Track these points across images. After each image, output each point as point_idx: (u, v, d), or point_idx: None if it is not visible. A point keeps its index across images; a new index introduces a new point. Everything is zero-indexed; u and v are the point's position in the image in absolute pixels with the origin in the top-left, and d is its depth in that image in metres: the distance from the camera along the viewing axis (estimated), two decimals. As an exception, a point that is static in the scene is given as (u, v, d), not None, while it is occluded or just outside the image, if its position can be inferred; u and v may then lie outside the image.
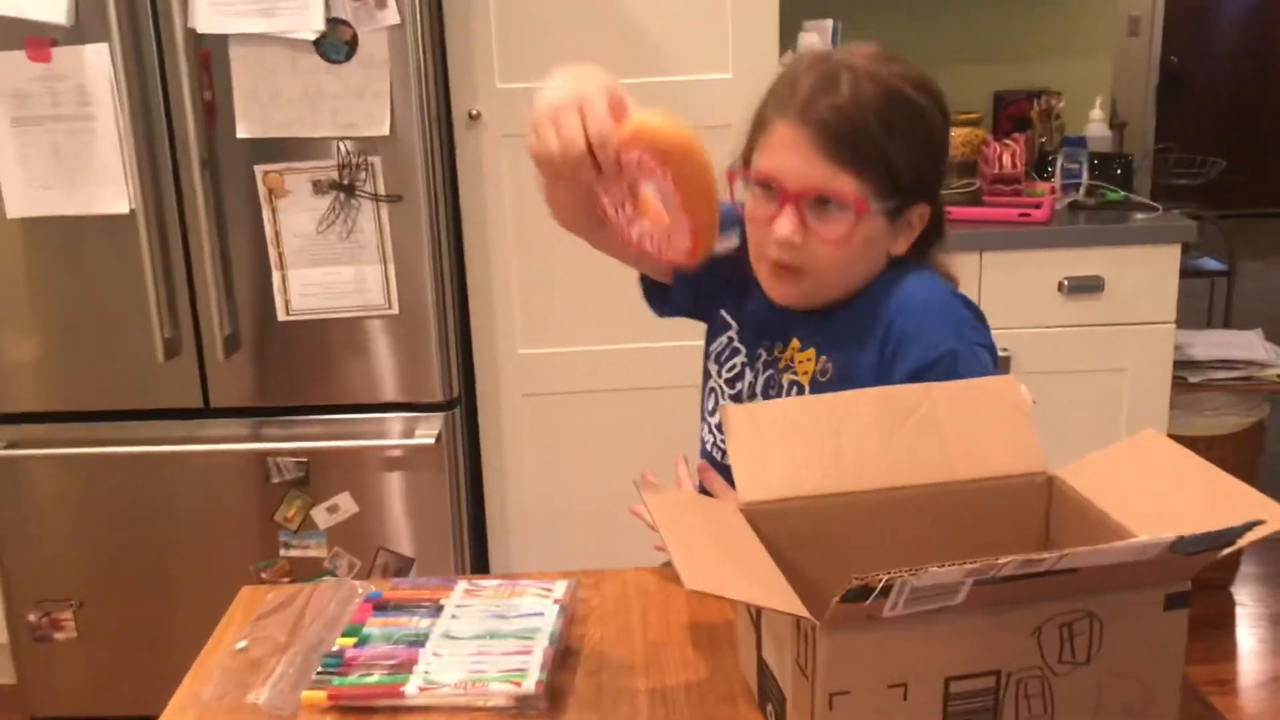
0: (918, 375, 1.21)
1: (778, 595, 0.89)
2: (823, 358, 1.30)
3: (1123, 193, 2.78)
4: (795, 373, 1.32)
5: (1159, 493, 1.00)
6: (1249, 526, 0.82)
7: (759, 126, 1.27)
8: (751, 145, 1.29)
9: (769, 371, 1.36)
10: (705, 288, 1.43)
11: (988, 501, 1.09)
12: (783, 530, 1.06)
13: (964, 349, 1.22)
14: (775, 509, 1.06)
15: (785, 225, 1.21)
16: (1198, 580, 0.91)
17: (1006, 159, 2.78)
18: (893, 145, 1.21)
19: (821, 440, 1.09)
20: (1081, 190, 2.80)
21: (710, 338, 1.46)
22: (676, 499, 1.08)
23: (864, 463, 1.08)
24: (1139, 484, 1.02)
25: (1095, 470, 1.06)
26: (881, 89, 1.22)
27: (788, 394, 1.32)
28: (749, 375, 1.38)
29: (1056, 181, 2.82)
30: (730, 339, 1.43)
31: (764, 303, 1.34)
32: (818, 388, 1.29)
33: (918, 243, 1.30)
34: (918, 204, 1.27)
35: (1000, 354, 1.38)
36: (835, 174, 1.20)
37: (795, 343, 1.34)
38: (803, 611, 0.86)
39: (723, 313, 1.44)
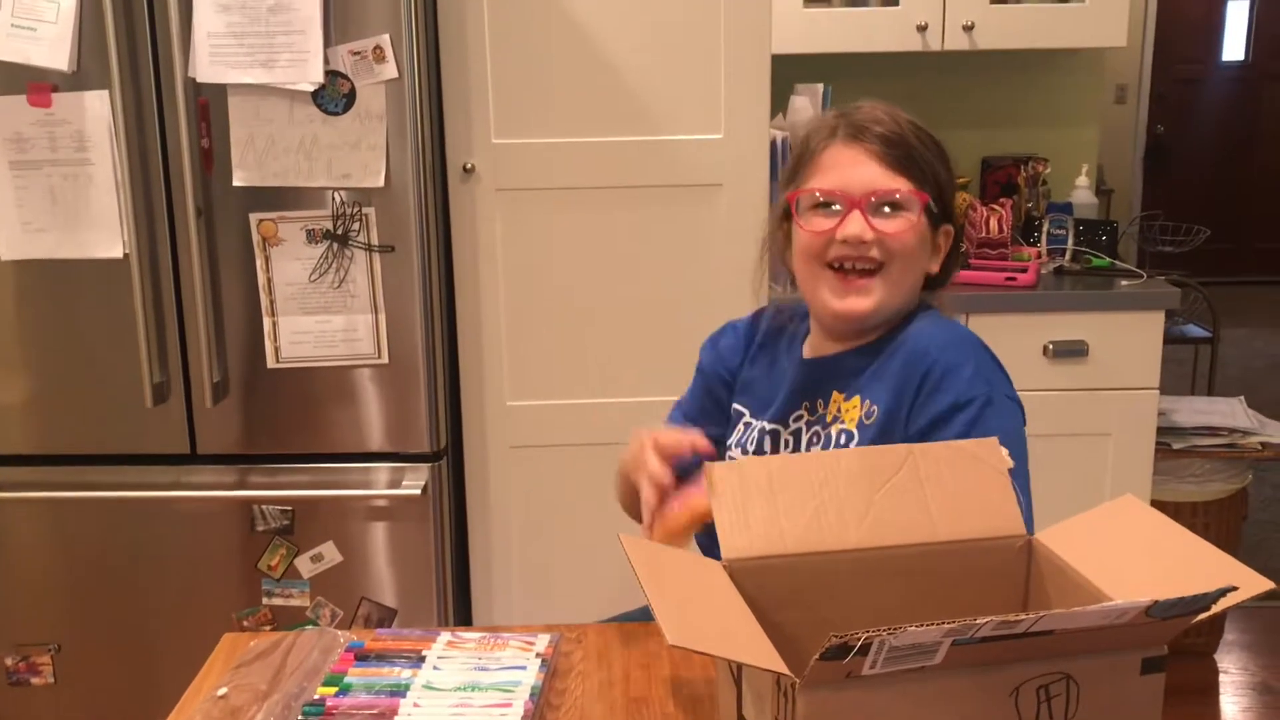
0: (952, 412, 1.28)
1: (758, 652, 0.90)
2: (866, 400, 1.34)
3: (1108, 259, 2.82)
4: (843, 421, 1.36)
5: (1137, 558, 1.01)
6: (1223, 592, 0.83)
7: (803, 161, 1.40)
8: (796, 180, 1.40)
9: (814, 428, 1.39)
10: (711, 403, 1.56)
11: (968, 563, 1.10)
12: (765, 587, 1.06)
13: (997, 397, 1.31)
14: (757, 566, 1.07)
15: (855, 223, 1.33)
16: (1181, 648, 0.92)
17: (993, 223, 2.82)
18: (933, 162, 1.38)
19: (804, 498, 1.10)
20: (1067, 256, 2.83)
21: (728, 434, 1.50)
22: (660, 554, 1.09)
23: (846, 522, 1.09)
24: (1117, 549, 1.03)
25: (1074, 534, 1.08)
26: (911, 123, 1.39)
27: (836, 444, 1.35)
28: (785, 438, 1.41)
29: (1042, 246, 2.86)
30: (748, 424, 1.47)
31: (787, 371, 1.43)
32: (864, 430, 1.33)
33: (942, 268, 1.42)
34: (944, 224, 1.40)
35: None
36: (894, 177, 1.34)
37: (837, 395, 1.38)
38: (783, 668, 0.86)
39: (736, 406, 1.49)
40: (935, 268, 1.42)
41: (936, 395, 1.30)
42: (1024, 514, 1.13)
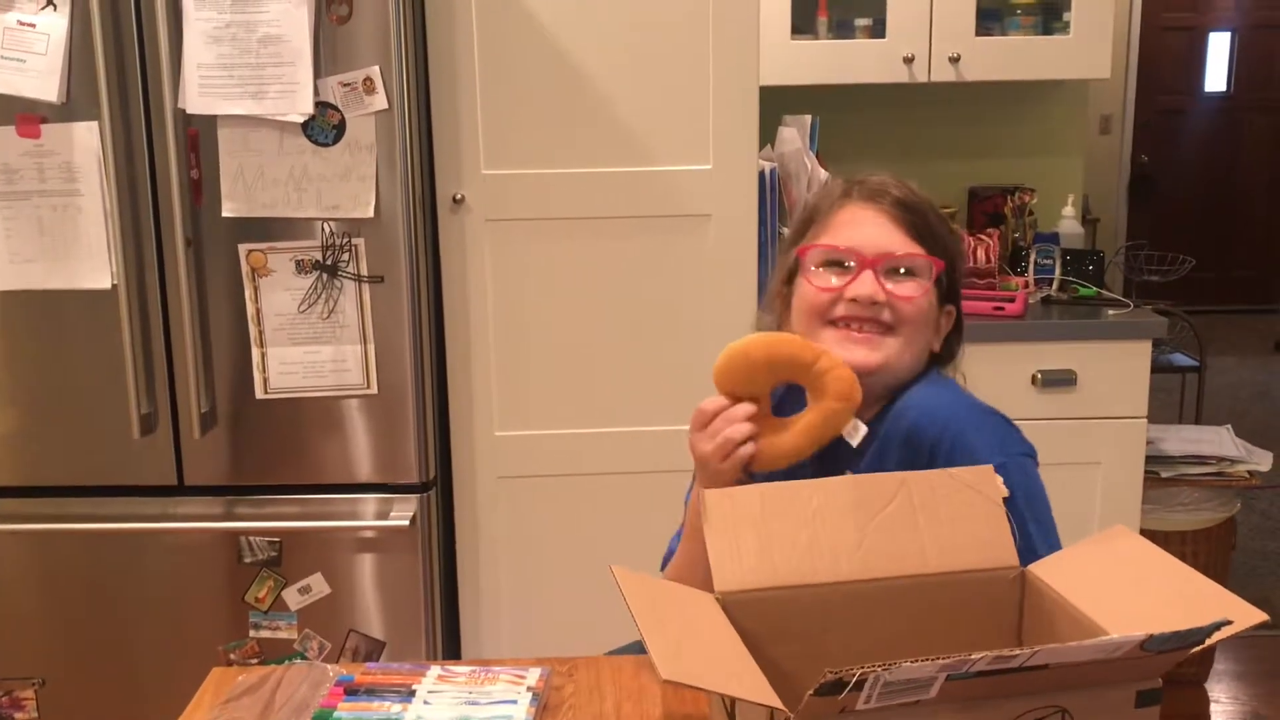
0: None
1: (752, 686, 0.89)
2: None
3: (1094, 288, 2.83)
4: None
5: (1130, 589, 1.01)
6: (1217, 626, 0.83)
7: (813, 219, 1.37)
8: (804, 238, 1.37)
9: None
10: None
11: (961, 595, 1.10)
12: (758, 620, 1.06)
13: (1011, 462, 1.26)
14: (750, 599, 1.07)
15: (867, 283, 1.29)
16: (1173, 677, 0.92)
17: (981, 253, 2.83)
18: (946, 236, 1.36)
19: (796, 529, 1.09)
20: (1054, 285, 2.85)
21: None
22: (652, 587, 1.09)
23: (839, 553, 1.09)
24: (1110, 580, 1.03)
25: (1067, 566, 1.08)
26: (925, 198, 1.36)
27: None
28: None
29: (1030, 276, 2.87)
30: None
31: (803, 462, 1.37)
32: None
33: (944, 346, 1.40)
34: (949, 303, 1.38)
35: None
36: (909, 242, 1.31)
37: (848, 474, 1.35)
38: (777, 703, 0.86)
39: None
40: (938, 346, 1.39)
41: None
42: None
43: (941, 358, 1.40)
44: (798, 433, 1.28)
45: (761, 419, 1.30)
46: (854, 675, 0.78)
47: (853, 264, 1.31)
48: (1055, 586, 1.05)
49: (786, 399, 1.39)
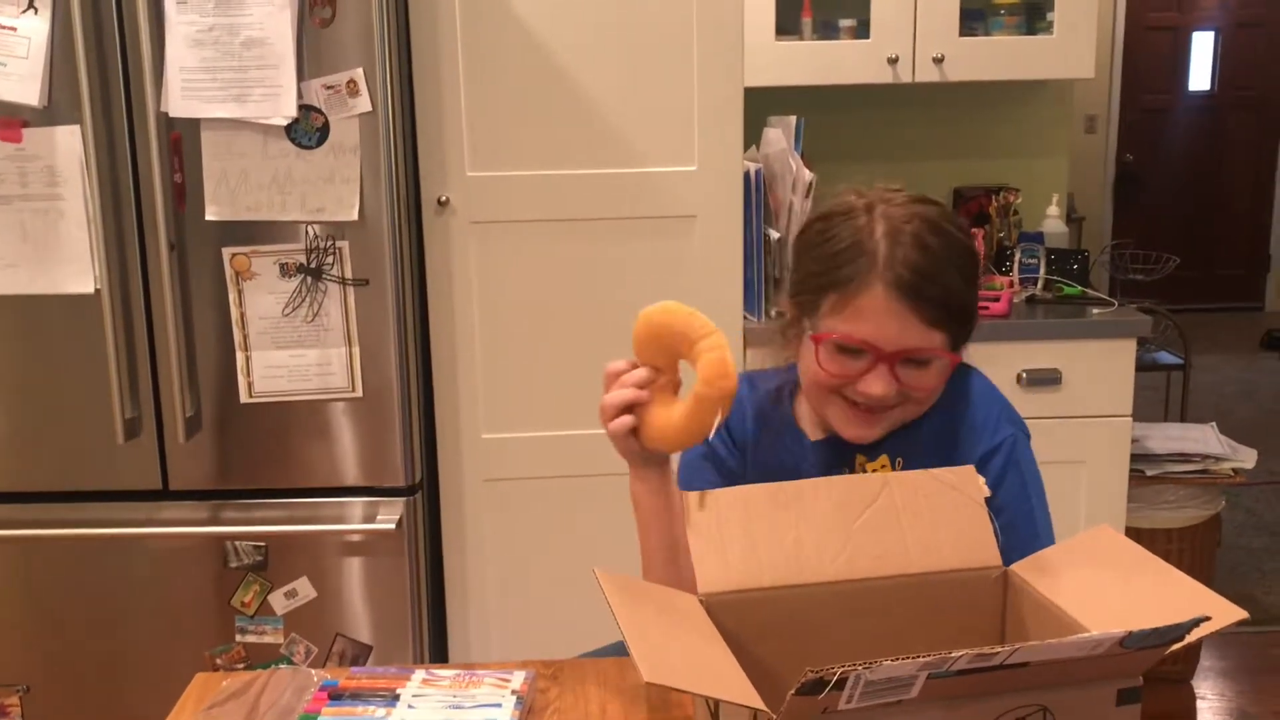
0: (985, 460, 1.30)
1: (734, 688, 0.90)
2: (898, 459, 1.34)
3: (1079, 287, 2.84)
4: None
5: (1112, 588, 1.02)
6: (1196, 622, 0.83)
7: (833, 284, 1.29)
8: (820, 303, 1.30)
9: None
10: (724, 477, 1.43)
11: (945, 594, 1.10)
12: (742, 621, 1.06)
13: (1020, 435, 1.34)
14: (735, 600, 1.07)
15: (880, 383, 1.25)
16: (1159, 675, 0.92)
17: (966, 253, 2.83)
18: (967, 291, 1.31)
19: (781, 530, 1.09)
20: (1039, 284, 2.85)
21: None
22: (635, 589, 1.09)
23: (823, 554, 1.09)
24: (1093, 579, 1.04)
25: (1050, 565, 1.08)
26: (943, 238, 1.28)
27: None
28: None
29: (1015, 276, 2.88)
30: None
31: (796, 452, 1.37)
32: None
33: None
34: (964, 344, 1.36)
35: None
36: (929, 333, 1.26)
37: (860, 458, 1.36)
38: (759, 704, 0.86)
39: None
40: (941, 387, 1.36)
41: (969, 449, 1.31)
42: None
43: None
44: (681, 414, 1.22)
45: (659, 390, 1.25)
46: (835, 674, 0.78)
47: (868, 356, 1.26)
48: (1037, 586, 1.05)
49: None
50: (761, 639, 1.07)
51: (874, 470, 1.35)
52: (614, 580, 1.04)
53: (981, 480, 1.16)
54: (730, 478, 1.39)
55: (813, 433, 1.41)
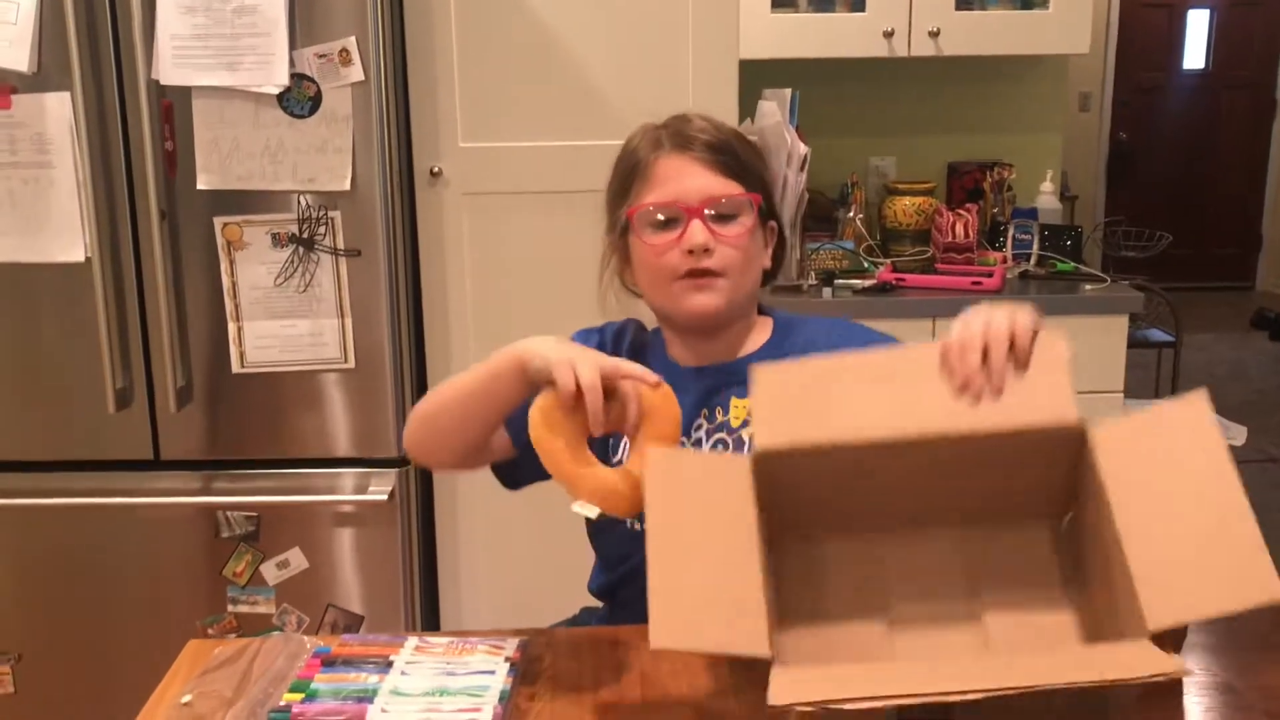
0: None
1: (747, 632, 0.91)
2: None
3: (1072, 264, 2.84)
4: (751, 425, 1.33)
5: (1175, 513, 0.96)
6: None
7: (633, 175, 1.41)
8: (628, 195, 1.42)
9: (717, 435, 1.38)
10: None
11: (1014, 454, 1.06)
12: (796, 478, 1.05)
13: (852, 322, 1.44)
14: (791, 457, 1.05)
15: (698, 233, 1.35)
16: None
17: (959, 228, 2.84)
18: (756, 164, 1.43)
19: (848, 390, 1.07)
20: (1032, 260, 2.86)
21: (611, 450, 1.43)
22: (676, 483, 1.06)
23: (893, 409, 1.06)
24: (1161, 488, 0.98)
25: (1128, 443, 1.02)
26: (725, 126, 1.43)
27: (751, 448, 1.33)
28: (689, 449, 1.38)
29: (1008, 251, 2.88)
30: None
31: (679, 383, 1.36)
32: None
33: (773, 260, 1.47)
34: (770, 219, 1.44)
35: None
36: (726, 183, 1.37)
37: (737, 400, 1.37)
38: (766, 652, 0.88)
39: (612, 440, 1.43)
40: (768, 262, 1.45)
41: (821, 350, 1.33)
42: None
43: (772, 272, 1.48)
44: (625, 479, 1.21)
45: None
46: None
47: (681, 215, 1.35)
48: (1106, 475, 1.00)
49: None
50: (813, 499, 1.07)
51: (744, 406, 1.36)
52: (660, 461, 1.06)
53: (1065, 342, 1.13)
54: None
55: (687, 360, 1.44)
